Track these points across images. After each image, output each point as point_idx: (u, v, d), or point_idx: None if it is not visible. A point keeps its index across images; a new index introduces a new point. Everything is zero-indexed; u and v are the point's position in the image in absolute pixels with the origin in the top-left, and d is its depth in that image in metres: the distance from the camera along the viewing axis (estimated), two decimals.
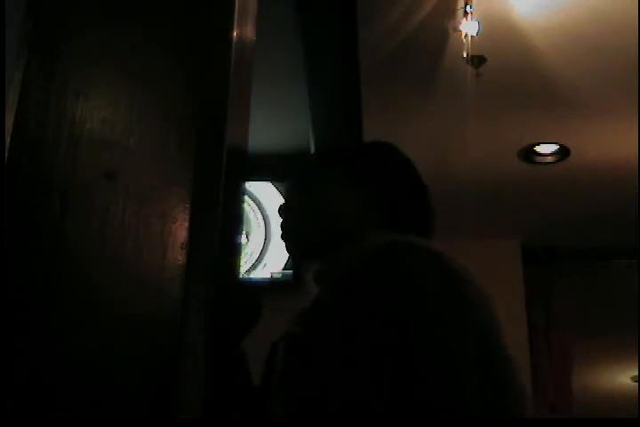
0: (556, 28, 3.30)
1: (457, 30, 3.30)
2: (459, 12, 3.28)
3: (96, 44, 0.88)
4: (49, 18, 0.86)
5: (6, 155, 0.75)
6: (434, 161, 4.26)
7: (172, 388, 0.73)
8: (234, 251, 1.00)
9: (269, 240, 4.17)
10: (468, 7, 3.24)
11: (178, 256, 0.79)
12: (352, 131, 4.06)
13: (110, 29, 0.88)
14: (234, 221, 0.96)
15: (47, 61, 0.84)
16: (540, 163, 4.21)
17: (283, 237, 1.54)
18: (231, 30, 0.90)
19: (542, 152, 4.17)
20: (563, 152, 4.14)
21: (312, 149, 4.22)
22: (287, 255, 1.61)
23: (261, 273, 4.15)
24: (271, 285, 3.91)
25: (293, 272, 4.02)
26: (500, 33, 3.38)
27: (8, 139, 0.76)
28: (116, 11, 0.88)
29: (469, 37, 3.27)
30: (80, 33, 0.87)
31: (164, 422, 0.73)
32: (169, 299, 0.77)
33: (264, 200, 4.35)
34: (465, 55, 3.33)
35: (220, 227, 0.85)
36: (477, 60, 3.51)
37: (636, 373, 5.04)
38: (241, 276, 4.27)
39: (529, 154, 4.16)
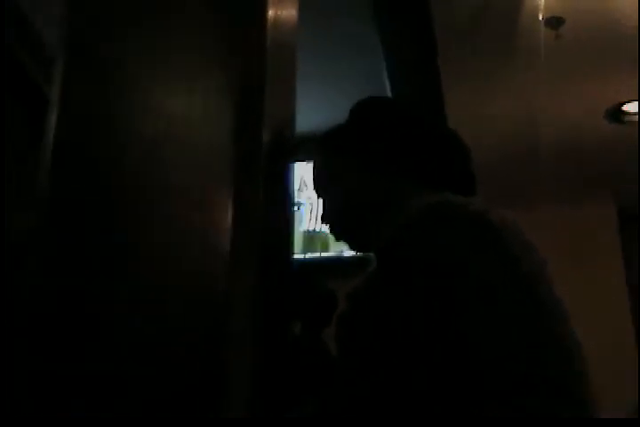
0: None
1: None
2: None
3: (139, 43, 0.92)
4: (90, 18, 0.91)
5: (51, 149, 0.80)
6: (520, 128, 4.20)
7: (220, 382, 0.76)
8: (283, 235, 1.01)
9: None
10: None
11: (221, 243, 0.81)
12: (432, 100, 4.04)
13: (151, 27, 0.92)
14: (281, 205, 0.98)
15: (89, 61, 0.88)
16: (628, 122, 4.09)
17: (340, 240, 1.52)
18: (265, 14, 0.90)
19: (630, 111, 4.05)
20: None
21: None
22: None
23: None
24: (343, 264, 3.87)
25: None
26: None
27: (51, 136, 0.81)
28: (153, 11, 0.92)
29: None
30: (122, 32, 0.91)
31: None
32: (212, 290, 0.80)
33: None
34: (540, 18, 3.27)
35: (264, 212, 0.88)
36: (556, 22, 3.44)
37: None
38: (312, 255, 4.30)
39: (617, 113, 4.05)
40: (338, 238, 1.52)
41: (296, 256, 4.34)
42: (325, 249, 4.15)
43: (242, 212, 0.83)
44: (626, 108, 4.01)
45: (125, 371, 0.77)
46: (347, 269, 3.90)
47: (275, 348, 0.94)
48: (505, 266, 1.20)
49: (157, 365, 0.78)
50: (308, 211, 4.33)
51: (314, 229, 4.22)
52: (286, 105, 1.04)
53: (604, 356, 4.31)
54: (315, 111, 3.63)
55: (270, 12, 0.95)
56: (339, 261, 4.15)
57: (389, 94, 3.98)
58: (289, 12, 1.10)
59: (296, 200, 4.38)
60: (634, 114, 4.06)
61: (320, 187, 1.53)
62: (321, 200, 1.54)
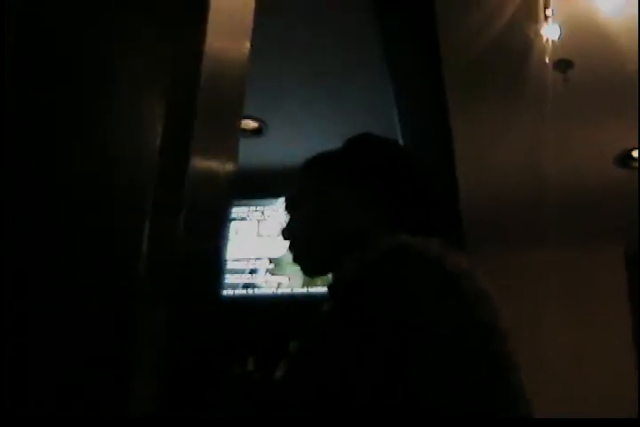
0: None
1: (539, 35, 3.24)
2: (540, 16, 3.22)
3: None
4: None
5: None
6: (528, 170, 4.18)
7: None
8: (210, 271, 0.98)
9: None
10: (548, 11, 3.17)
11: (130, 278, 0.80)
12: (442, 144, 4.04)
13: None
14: (209, 239, 0.96)
15: None
16: (637, 168, 4.06)
17: (294, 259, 1.51)
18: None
19: (639, 157, 4.02)
20: None
21: None
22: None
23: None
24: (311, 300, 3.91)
25: None
26: (587, 36, 3.29)
27: None
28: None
29: (550, 42, 3.20)
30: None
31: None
32: (121, 321, 0.78)
33: None
34: (547, 60, 3.27)
35: (186, 247, 0.86)
36: (564, 65, 3.43)
37: None
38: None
39: (625, 159, 4.02)
40: (294, 258, 1.52)
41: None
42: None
43: (156, 245, 0.82)
44: (635, 153, 3.98)
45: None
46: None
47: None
48: (459, 315, 1.19)
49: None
50: None
51: None
52: (225, 139, 1.03)
53: (605, 397, 4.26)
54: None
55: (212, 44, 0.95)
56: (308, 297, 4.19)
57: (399, 135, 4.02)
58: (238, 45, 1.09)
59: None
60: None
61: (293, 203, 1.54)
62: (289, 216, 1.54)
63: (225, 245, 1.05)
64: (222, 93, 0.99)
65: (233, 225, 4.58)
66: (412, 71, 3.73)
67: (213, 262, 0.99)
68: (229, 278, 4.49)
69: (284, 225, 1.54)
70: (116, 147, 0.87)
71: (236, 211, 4.58)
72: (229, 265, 4.52)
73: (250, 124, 4.30)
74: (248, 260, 4.48)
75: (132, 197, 0.84)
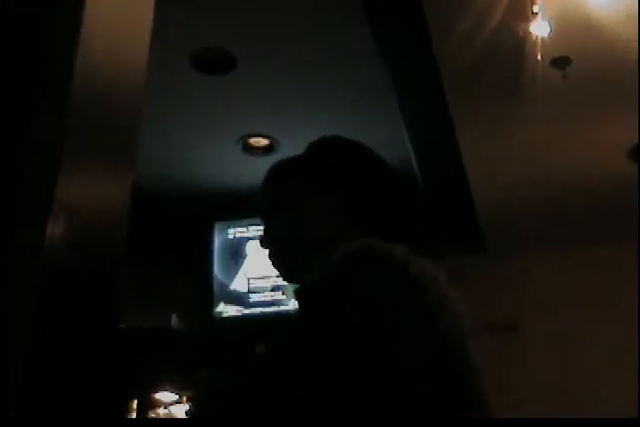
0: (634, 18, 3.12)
1: (529, 33, 3.20)
2: (528, 14, 3.18)
3: None
4: None
5: None
6: (538, 169, 4.12)
7: None
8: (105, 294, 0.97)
9: None
10: (535, 8, 3.13)
11: None
12: (451, 151, 4.02)
13: None
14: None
15: None
16: None
17: (274, 266, 1.50)
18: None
19: None
20: None
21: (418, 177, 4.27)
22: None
23: None
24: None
25: None
26: (581, 31, 3.24)
27: None
28: None
29: (540, 39, 3.17)
30: None
31: None
32: None
33: None
34: (539, 58, 3.23)
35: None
36: (562, 62, 3.39)
37: None
38: None
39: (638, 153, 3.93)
40: (273, 265, 1.50)
41: None
42: None
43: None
44: None
45: None
46: None
47: None
48: (421, 318, 1.18)
49: None
50: None
51: None
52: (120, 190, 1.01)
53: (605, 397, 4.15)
54: None
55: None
56: None
57: (411, 149, 4.03)
58: (134, 86, 1.07)
59: None
60: None
61: (267, 213, 1.50)
62: (265, 225, 1.51)
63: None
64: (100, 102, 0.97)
65: (253, 244, 4.61)
66: (414, 84, 3.72)
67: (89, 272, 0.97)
68: (253, 297, 4.54)
69: (262, 234, 1.51)
70: None
71: (256, 229, 4.61)
72: (252, 284, 4.57)
73: (261, 141, 4.33)
74: (269, 277, 4.51)
75: None
